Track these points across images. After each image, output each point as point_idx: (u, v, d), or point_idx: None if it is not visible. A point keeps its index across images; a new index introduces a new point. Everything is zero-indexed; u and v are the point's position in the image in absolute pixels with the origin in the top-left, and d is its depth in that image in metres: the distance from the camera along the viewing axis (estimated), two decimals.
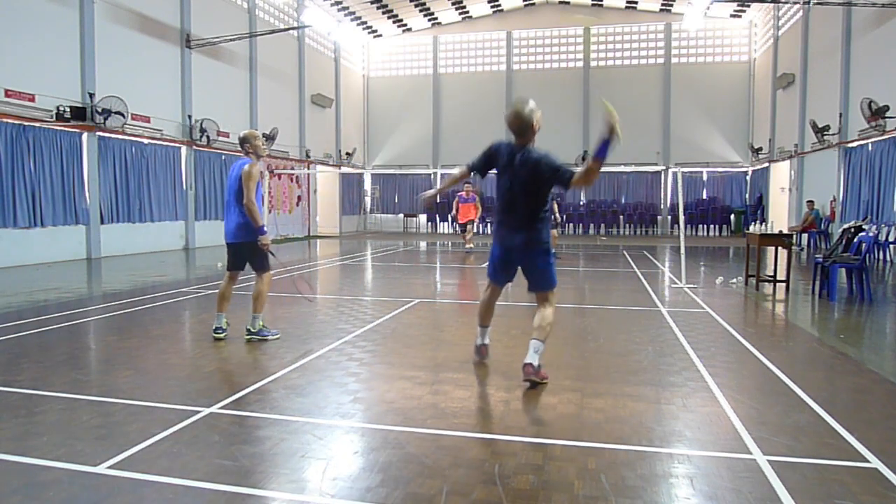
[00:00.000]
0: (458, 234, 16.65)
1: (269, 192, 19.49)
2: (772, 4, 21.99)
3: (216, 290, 9.12)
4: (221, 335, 5.89)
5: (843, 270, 8.96)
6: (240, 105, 20.45)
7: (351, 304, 8.03)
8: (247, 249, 5.84)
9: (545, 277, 4.47)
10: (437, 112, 29.37)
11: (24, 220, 12.71)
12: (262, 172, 5.87)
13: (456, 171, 4.73)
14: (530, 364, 4.26)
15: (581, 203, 27.67)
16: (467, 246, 16.39)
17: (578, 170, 4.07)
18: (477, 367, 4.94)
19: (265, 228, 5.83)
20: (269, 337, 5.85)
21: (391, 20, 27.69)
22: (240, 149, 5.91)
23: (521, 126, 4.29)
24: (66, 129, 13.64)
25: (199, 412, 3.78)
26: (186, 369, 4.87)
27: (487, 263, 4.70)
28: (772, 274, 9.90)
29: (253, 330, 5.85)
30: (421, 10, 27.10)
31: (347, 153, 27.78)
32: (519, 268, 4.58)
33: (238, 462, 3.07)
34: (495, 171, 4.46)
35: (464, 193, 16.00)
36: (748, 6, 24.53)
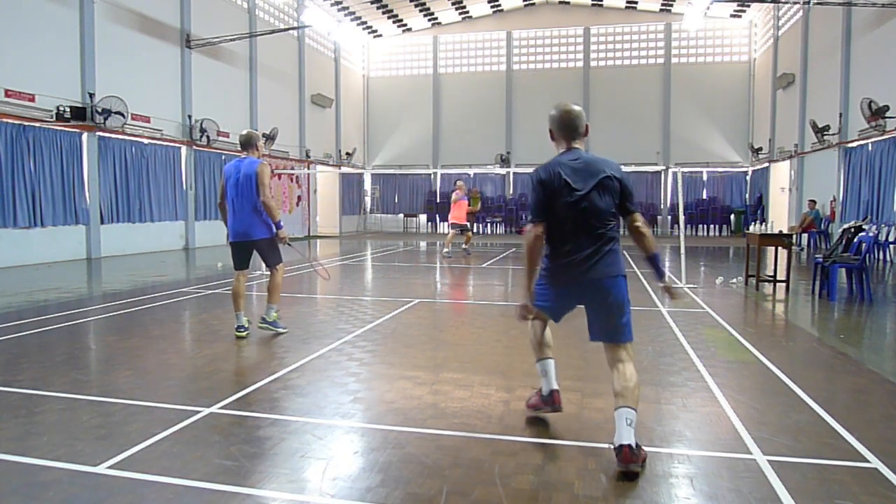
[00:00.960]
0: (458, 235, 15.56)
1: (270, 192, 19.49)
2: (772, 4, 21.99)
3: (216, 291, 9.18)
4: (244, 333, 5.95)
5: (843, 270, 8.95)
6: (240, 105, 20.45)
7: (351, 304, 8.03)
8: (260, 246, 5.95)
9: (623, 321, 3.23)
10: (437, 112, 29.37)
11: (24, 220, 12.71)
12: None
13: (533, 242, 3.21)
14: (628, 446, 2.93)
15: None
16: (463, 246, 15.69)
17: (642, 225, 3.30)
18: (477, 366, 4.93)
19: (282, 223, 6.00)
20: (280, 329, 6.02)
21: (391, 20, 27.68)
22: (242, 149, 6.03)
23: (579, 121, 3.32)
24: (66, 129, 13.64)
25: (199, 412, 3.78)
26: (186, 369, 4.87)
27: (539, 299, 3.37)
28: (772, 274, 9.89)
29: (268, 319, 6.03)
30: (421, 10, 27.10)
31: (347, 153, 27.78)
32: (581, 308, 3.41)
33: (238, 462, 3.07)
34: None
35: (459, 191, 15.18)
36: (748, 6, 24.52)
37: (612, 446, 3.04)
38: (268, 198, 5.77)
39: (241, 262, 6.04)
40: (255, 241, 5.91)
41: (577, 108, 3.36)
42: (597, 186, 3.20)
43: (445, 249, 15.10)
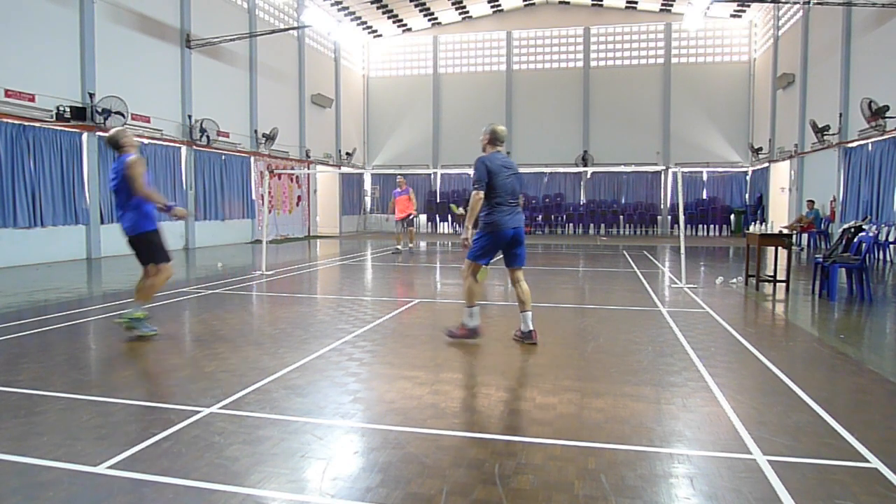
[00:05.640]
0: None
1: (270, 192, 19.42)
2: (772, 4, 21.99)
3: (216, 291, 9.17)
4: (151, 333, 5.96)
5: (843, 270, 8.95)
6: (240, 105, 20.45)
7: (351, 304, 8.03)
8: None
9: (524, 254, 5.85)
10: (437, 112, 29.36)
11: (24, 220, 12.71)
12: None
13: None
14: (534, 331, 5.63)
15: (581, 203, 27.65)
16: (410, 245, 15.40)
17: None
18: (477, 366, 4.93)
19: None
20: (145, 331, 5.93)
21: (391, 20, 27.68)
22: (115, 149, 6.19)
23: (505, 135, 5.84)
24: (66, 129, 13.64)
25: (199, 412, 3.78)
26: (186, 369, 4.87)
27: (485, 247, 5.60)
28: (772, 274, 9.89)
29: (133, 315, 5.98)
30: (421, 10, 27.10)
31: (347, 153, 27.78)
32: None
33: (238, 462, 3.07)
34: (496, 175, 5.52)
35: (398, 189, 14.98)
36: (748, 6, 24.52)
37: (521, 332, 5.65)
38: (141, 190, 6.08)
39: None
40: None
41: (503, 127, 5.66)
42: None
43: (410, 245, 14.78)
